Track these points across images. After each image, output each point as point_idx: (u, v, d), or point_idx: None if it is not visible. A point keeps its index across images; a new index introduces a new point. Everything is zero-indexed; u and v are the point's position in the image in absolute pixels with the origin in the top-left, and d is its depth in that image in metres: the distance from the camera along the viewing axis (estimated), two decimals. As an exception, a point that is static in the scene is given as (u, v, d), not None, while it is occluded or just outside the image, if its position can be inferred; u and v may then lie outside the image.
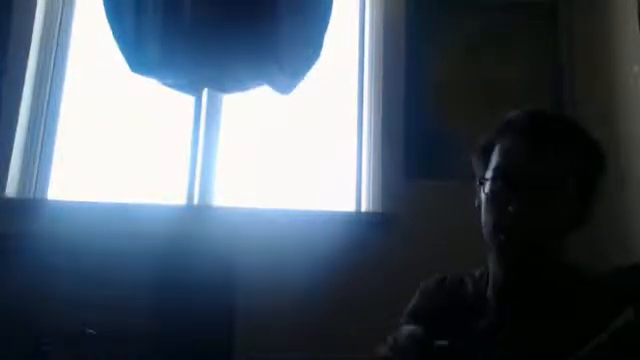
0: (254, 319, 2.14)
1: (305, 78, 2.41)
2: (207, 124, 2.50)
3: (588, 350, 0.93)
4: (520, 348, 1.05)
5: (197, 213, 2.40)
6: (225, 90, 2.47)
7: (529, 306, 1.10)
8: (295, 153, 2.56)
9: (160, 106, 2.55)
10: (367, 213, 2.45)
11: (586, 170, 1.12)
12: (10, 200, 2.29)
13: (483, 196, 1.13)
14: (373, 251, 2.26)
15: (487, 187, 1.11)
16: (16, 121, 2.33)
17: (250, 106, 2.57)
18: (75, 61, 2.54)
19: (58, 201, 2.37)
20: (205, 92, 2.50)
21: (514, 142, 1.11)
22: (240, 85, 2.44)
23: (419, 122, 2.47)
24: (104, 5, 2.36)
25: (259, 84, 2.43)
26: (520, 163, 1.08)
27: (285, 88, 2.43)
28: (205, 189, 2.44)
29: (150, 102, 2.54)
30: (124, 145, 2.51)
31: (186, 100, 2.49)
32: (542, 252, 1.08)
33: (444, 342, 1.01)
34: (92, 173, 2.48)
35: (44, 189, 2.40)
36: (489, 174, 1.12)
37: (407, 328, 1.08)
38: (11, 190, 2.31)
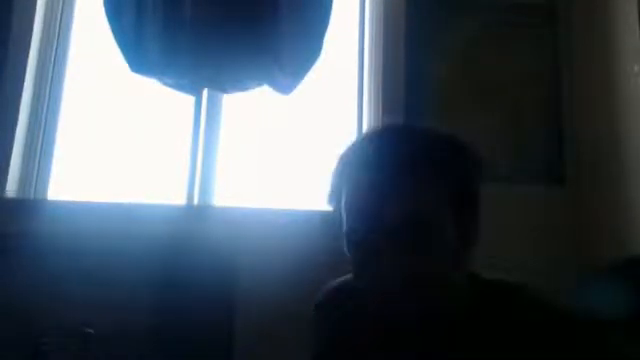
0: (254, 319, 2.14)
1: (305, 78, 2.41)
2: (207, 124, 2.50)
3: None
4: None
5: (197, 213, 2.40)
6: (225, 90, 2.47)
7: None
8: (295, 153, 2.56)
9: (160, 106, 2.55)
10: (367, 213, 2.44)
11: (456, 186, 0.89)
12: (10, 200, 2.29)
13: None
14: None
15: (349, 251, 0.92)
16: (16, 121, 2.33)
17: (250, 106, 2.57)
18: (75, 61, 2.54)
19: (58, 201, 2.37)
20: (205, 92, 2.50)
21: (353, 194, 0.90)
22: (240, 85, 2.44)
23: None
24: (104, 5, 2.36)
25: (259, 84, 2.43)
26: (365, 221, 0.87)
27: (285, 88, 2.43)
28: (205, 189, 2.44)
29: (150, 102, 2.54)
30: (124, 145, 2.51)
31: (186, 100, 2.49)
32: (438, 297, 0.89)
33: None
34: (92, 173, 2.48)
35: (44, 189, 2.40)
36: (344, 241, 0.92)
37: None
38: (11, 190, 2.31)
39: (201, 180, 2.45)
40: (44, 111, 2.44)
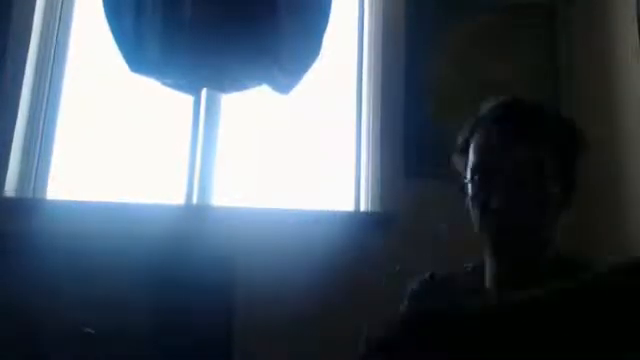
0: (254, 319, 2.14)
1: (305, 78, 2.41)
2: (206, 124, 2.50)
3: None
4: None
5: (196, 213, 2.40)
6: (224, 90, 2.46)
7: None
8: (294, 153, 2.56)
9: (159, 106, 2.55)
10: (366, 212, 2.45)
11: (561, 149, 1.12)
12: (9, 199, 2.28)
13: (467, 198, 1.14)
14: (373, 251, 2.26)
15: (469, 188, 1.13)
16: (15, 120, 2.32)
17: (249, 106, 2.57)
18: (74, 61, 2.53)
19: (57, 201, 2.36)
20: (204, 92, 2.50)
21: (484, 137, 1.13)
22: (239, 85, 2.44)
23: (419, 122, 2.47)
24: (104, 5, 2.35)
25: (258, 84, 2.43)
26: (492, 157, 1.10)
27: (284, 88, 2.42)
28: (204, 189, 2.44)
29: (149, 102, 2.54)
30: (123, 145, 2.51)
31: (185, 100, 2.49)
32: (534, 239, 1.10)
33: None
34: (92, 172, 2.48)
35: (43, 188, 2.39)
36: (468, 174, 1.14)
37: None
38: (10, 189, 2.31)
39: (200, 180, 2.44)
40: (43, 110, 2.44)
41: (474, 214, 1.13)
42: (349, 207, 2.49)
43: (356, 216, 2.47)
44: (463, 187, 1.15)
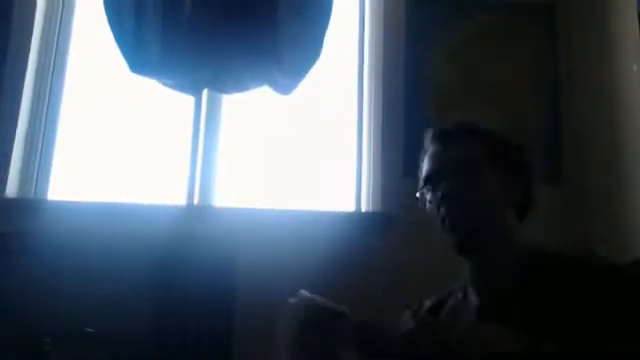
0: (254, 319, 2.14)
1: (305, 78, 2.41)
2: (207, 124, 2.50)
3: None
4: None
5: (197, 213, 2.40)
6: (225, 90, 2.47)
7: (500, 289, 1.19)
8: (295, 153, 2.56)
9: (160, 106, 2.55)
10: (367, 213, 2.45)
11: (494, 150, 1.24)
12: (10, 200, 2.29)
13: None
14: (373, 251, 2.26)
15: (424, 196, 1.27)
16: (16, 121, 2.33)
17: (250, 106, 2.57)
18: (75, 61, 2.54)
19: (58, 201, 2.37)
20: (205, 92, 2.50)
21: (429, 151, 1.28)
22: (240, 85, 2.44)
23: (419, 122, 2.47)
24: (104, 5, 2.36)
25: (259, 84, 2.43)
26: (434, 166, 1.25)
27: (285, 88, 2.43)
28: (205, 189, 2.44)
29: (150, 102, 2.54)
30: (124, 145, 2.51)
31: (186, 100, 2.50)
32: (486, 233, 1.20)
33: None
34: (92, 173, 2.48)
35: (44, 189, 2.40)
36: (420, 185, 1.28)
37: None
38: (11, 190, 2.31)
39: (201, 180, 2.45)
40: (44, 111, 2.44)
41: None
42: (349, 207, 2.49)
43: (356, 216, 2.47)
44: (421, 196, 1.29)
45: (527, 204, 1.25)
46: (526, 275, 1.15)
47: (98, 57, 2.54)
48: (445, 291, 1.35)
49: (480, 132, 1.27)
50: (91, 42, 2.56)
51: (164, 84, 2.41)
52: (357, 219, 2.45)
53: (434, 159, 1.26)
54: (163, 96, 2.47)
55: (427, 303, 1.36)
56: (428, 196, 1.25)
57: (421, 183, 1.28)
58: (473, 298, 1.24)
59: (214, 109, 2.53)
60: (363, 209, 2.48)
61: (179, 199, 2.43)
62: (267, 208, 2.40)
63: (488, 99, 2.51)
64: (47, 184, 2.41)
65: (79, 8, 2.57)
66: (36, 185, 2.39)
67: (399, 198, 2.37)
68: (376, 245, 2.27)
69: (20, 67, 2.36)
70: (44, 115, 2.44)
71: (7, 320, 2.00)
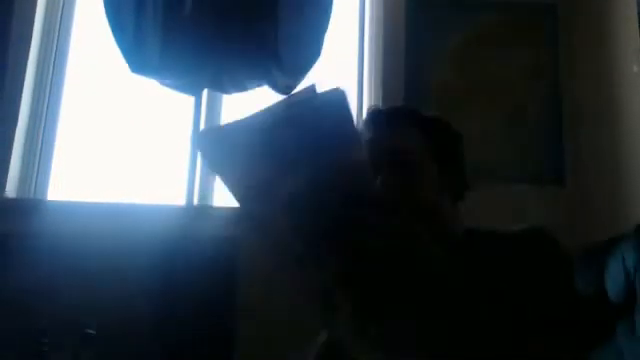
0: (254, 319, 2.14)
1: (305, 78, 2.41)
2: (207, 124, 2.50)
3: None
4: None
5: (197, 213, 2.40)
6: (225, 90, 2.46)
7: None
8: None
9: (160, 106, 2.55)
10: (367, 213, 2.44)
11: (430, 139, 1.24)
12: (10, 200, 2.29)
13: None
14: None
15: None
16: (16, 121, 2.33)
17: (250, 106, 2.57)
18: (75, 61, 2.54)
19: (58, 201, 2.37)
20: (205, 92, 2.50)
21: (366, 136, 1.26)
22: (240, 85, 2.43)
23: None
24: (104, 5, 2.36)
25: (259, 84, 2.43)
26: (372, 156, 1.21)
27: (285, 88, 2.42)
28: (205, 189, 2.44)
29: (150, 102, 2.54)
30: (124, 145, 2.51)
31: (186, 100, 2.49)
32: (424, 219, 1.14)
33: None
34: (92, 173, 2.48)
35: (44, 189, 2.40)
36: None
37: None
38: (11, 190, 2.31)
39: (201, 180, 2.45)
40: (44, 111, 2.44)
41: None
42: (349, 207, 2.49)
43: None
44: None
45: (463, 188, 1.27)
46: (459, 250, 1.13)
47: (98, 57, 2.54)
48: None
49: (417, 119, 1.28)
50: (91, 42, 2.56)
51: (164, 84, 2.40)
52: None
53: (371, 146, 1.24)
54: (163, 96, 2.47)
55: None
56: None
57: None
58: None
59: (214, 109, 2.53)
60: (363, 209, 2.47)
61: (179, 199, 2.43)
62: (267, 208, 2.40)
63: (488, 99, 2.51)
64: (47, 184, 2.41)
65: (79, 8, 2.57)
66: (36, 185, 2.39)
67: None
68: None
69: (20, 67, 2.36)
70: (44, 115, 2.44)
71: (7, 320, 2.00)
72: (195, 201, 2.42)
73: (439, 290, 0.87)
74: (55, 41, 2.50)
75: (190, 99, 2.49)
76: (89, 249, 2.13)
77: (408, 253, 0.85)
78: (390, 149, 1.22)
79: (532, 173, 2.42)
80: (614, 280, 1.61)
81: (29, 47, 2.38)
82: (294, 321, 2.15)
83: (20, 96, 2.34)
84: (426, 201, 1.20)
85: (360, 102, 2.59)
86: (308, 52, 2.41)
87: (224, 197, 2.47)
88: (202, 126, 2.49)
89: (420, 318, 0.85)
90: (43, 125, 2.43)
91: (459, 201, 1.27)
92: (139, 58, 2.35)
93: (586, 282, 1.71)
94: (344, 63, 2.64)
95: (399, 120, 1.27)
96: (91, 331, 1.92)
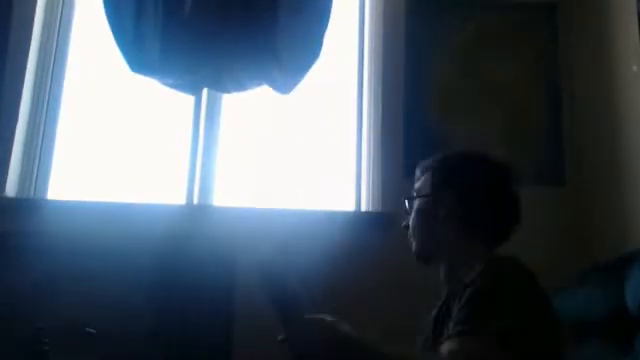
0: (253, 319, 2.13)
1: (305, 78, 2.41)
2: (207, 124, 2.51)
3: None
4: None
5: (197, 213, 2.40)
6: (225, 90, 2.47)
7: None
8: (295, 152, 2.56)
9: (160, 106, 2.55)
10: (367, 212, 2.45)
11: (437, 182, 1.41)
12: (10, 200, 2.29)
13: None
14: (373, 250, 2.26)
15: None
16: (16, 121, 2.33)
17: (250, 106, 2.57)
18: (75, 61, 2.54)
19: (58, 201, 2.37)
20: (205, 92, 2.50)
21: None
22: (240, 85, 2.44)
23: (419, 122, 2.47)
24: (104, 5, 2.36)
25: (259, 84, 2.43)
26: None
27: (285, 88, 2.43)
28: (205, 189, 2.44)
29: (150, 102, 2.54)
30: (124, 145, 2.51)
31: (186, 100, 2.49)
32: (432, 250, 1.41)
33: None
34: (92, 173, 2.48)
35: (44, 189, 2.40)
36: None
37: None
38: (11, 190, 2.31)
39: (201, 180, 2.45)
40: (44, 110, 2.44)
41: None
42: (350, 207, 2.49)
43: (357, 216, 2.47)
44: None
45: (478, 220, 1.37)
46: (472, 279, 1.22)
47: (98, 57, 2.54)
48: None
49: (433, 166, 1.43)
50: (91, 42, 2.56)
51: (164, 84, 2.41)
52: (357, 219, 2.45)
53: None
54: (163, 96, 2.47)
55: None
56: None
57: None
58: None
59: (214, 109, 2.53)
60: (363, 209, 2.48)
61: (179, 199, 2.43)
62: (267, 207, 2.40)
63: (488, 99, 2.51)
64: (47, 184, 2.41)
65: (79, 8, 2.57)
66: (36, 185, 2.39)
67: (399, 198, 2.36)
68: (376, 245, 2.27)
69: (20, 67, 2.36)
70: (43, 114, 2.44)
71: (7, 320, 2.00)
72: (195, 200, 2.43)
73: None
74: (55, 41, 2.49)
75: (190, 99, 2.50)
76: (89, 249, 2.13)
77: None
78: (411, 192, 1.45)
79: (532, 173, 2.42)
80: (635, 293, 1.58)
81: (29, 47, 2.38)
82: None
83: (20, 96, 2.34)
84: (428, 235, 1.41)
85: (360, 102, 2.59)
86: (308, 52, 2.41)
87: (224, 196, 2.47)
88: (202, 125, 2.49)
89: None
90: (43, 125, 2.43)
91: (498, 242, 1.38)
92: (139, 57, 2.36)
93: (605, 297, 1.71)
94: (344, 63, 2.63)
95: (423, 168, 1.46)
96: (91, 330, 1.92)
